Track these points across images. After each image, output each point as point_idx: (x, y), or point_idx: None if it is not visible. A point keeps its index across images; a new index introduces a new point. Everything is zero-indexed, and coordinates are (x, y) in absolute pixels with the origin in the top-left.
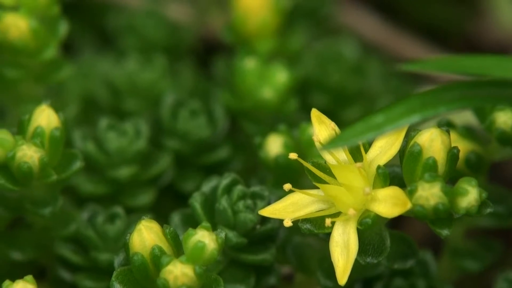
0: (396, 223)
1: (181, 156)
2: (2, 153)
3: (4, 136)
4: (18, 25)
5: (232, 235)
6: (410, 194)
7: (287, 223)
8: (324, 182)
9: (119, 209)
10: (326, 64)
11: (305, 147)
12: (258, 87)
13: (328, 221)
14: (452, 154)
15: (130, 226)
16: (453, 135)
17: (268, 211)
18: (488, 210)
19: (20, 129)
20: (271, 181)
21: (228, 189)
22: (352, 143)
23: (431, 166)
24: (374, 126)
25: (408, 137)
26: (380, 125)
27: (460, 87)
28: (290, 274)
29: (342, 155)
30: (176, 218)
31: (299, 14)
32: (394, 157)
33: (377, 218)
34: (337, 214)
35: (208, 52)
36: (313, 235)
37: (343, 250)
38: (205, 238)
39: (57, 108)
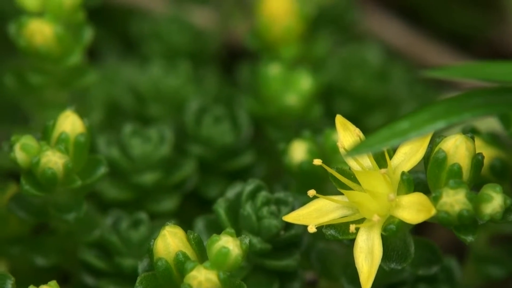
0: (420, 229)
1: (205, 162)
2: (26, 158)
3: (28, 141)
4: (43, 31)
5: (256, 241)
6: (435, 200)
7: (311, 229)
8: (349, 188)
9: (143, 215)
10: (350, 70)
11: (329, 153)
12: (282, 93)
13: (352, 227)
14: (477, 160)
15: (154, 231)
16: (478, 142)
17: (292, 217)
18: None
19: (44, 134)
20: (295, 187)
21: (252, 195)
22: (377, 149)
23: (456, 172)
24: (399, 132)
25: (432, 144)
26: (405, 132)
27: (484, 94)
28: (314, 280)
29: (366, 161)
30: (200, 224)
31: (323, 20)
32: (419, 163)
33: (402, 224)
34: (362, 220)
35: (232, 58)
36: (337, 241)
37: (368, 256)
38: (229, 244)
39: (81, 114)
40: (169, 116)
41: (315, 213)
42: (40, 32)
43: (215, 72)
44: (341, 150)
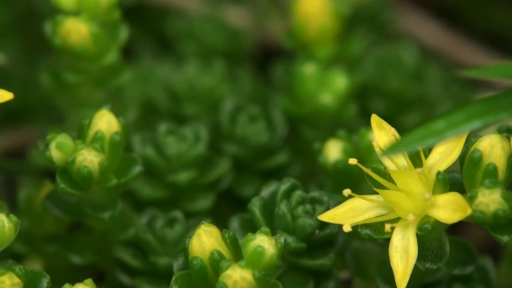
0: (455, 228)
1: (239, 161)
2: (62, 157)
3: (64, 140)
4: (79, 30)
5: (291, 240)
6: (470, 200)
7: (346, 228)
8: (384, 187)
9: (178, 214)
10: (386, 70)
11: (365, 153)
12: (317, 92)
13: (387, 227)
14: None
15: (189, 230)
16: None
17: (327, 216)
18: None
19: (80, 133)
20: (330, 186)
21: (287, 194)
22: (413, 148)
23: (492, 172)
24: (434, 132)
25: (468, 143)
26: (441, 131)
27: None
28: (348, 279)
29: (402, 160)
30: (235, 222)
31: (358, 20)
32: (454, 163)
33: (437, 223)
34: (397, 220)
35: (267, 57)
36: (372, 240)
37: (403, 255)
38: (264, 243)
39: (117, 113)
40: (204, 115)
41: (350, 212)
42: (76, 31)
43: (250, 71)
44: (377, 150)
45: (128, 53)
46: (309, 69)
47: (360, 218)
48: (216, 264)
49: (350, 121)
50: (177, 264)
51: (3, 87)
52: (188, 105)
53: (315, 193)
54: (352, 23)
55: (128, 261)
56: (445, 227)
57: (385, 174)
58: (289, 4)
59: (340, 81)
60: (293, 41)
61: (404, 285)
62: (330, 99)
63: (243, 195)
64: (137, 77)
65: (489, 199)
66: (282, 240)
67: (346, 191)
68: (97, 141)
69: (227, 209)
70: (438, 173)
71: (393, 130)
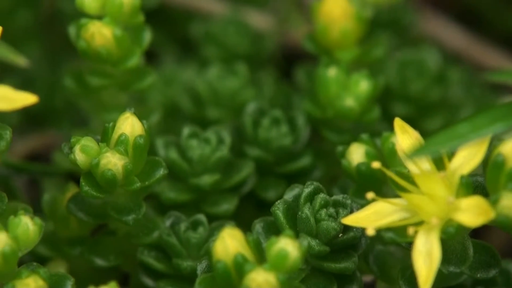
0: (478, 232)
1: (262, 164)
2: (86, 160)
3: (88, 143)
4: (102, 34)
5: (314, 243)
6: (494, 203)
7: (370, 231)
8: (407, 191)
9: (201, 217)
10: (408, 73)
11: (388, 156)
12: (340, 96)
13: (411, 230)
14: None
15: (212, 233)
16: None
17: (351, 220)
18: None
19: (104, 136)
20: (353, 189)
21: (311, 198)
22: (436, 152)
23: None
24: (458, 135)
25: (491, 147)
26: (464, 135)
27: None
28: (372, 282)
29: (425, 164)
30: (258, 225)
31: (380, 23)
32: (477, 166)
33: (460, 227)
34: (420, 223)
35: (290, 61)
36: (395, 243)
37: (426, 259)
38: (288, 246)
39: (140, 116)
40: (227, 119)
41: (373, 215)
42: (100, 34)
43: (273, 75)
44: (400, 153)
45: (151, 56)
46: (331, 73)
47: (384, 222)
48: (239, 267)
49: (373, 124)
50: (201, 267)
51: (27, 90)
52: (211, 109)
53: (338, 197)
54: (374, 27)
55: (152, 263)
56: (469, 230)
57: (408, 177)
58: (312, 8)
59: (363, 85)
60: (316, 45)
61: None
62: (353, 103)
63: (266, 198)
64: (160, 81)
65: None
66: (305, 243)
67: (370, 195)
68: (121, 144)
69: (250, 212)
70: (462, 176)
71: (416, 133)
